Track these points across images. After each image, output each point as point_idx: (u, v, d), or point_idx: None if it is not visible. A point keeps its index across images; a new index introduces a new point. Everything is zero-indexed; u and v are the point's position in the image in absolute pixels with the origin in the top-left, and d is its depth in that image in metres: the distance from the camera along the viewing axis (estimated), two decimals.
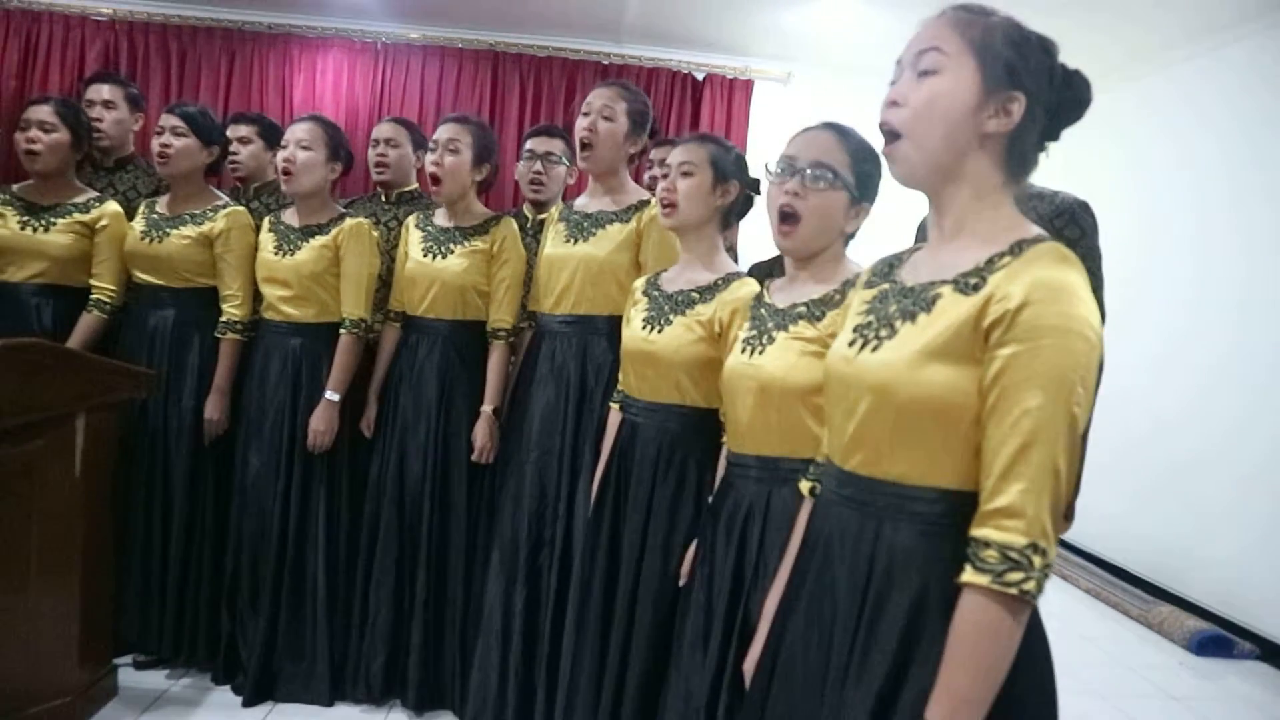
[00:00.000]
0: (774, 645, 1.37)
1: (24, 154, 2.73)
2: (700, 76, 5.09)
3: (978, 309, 1.09)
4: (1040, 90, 1.15)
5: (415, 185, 3.21)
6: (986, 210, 1.18)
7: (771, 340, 1.66)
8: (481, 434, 2.53)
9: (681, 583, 1.96)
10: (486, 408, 2.55)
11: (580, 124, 2.38)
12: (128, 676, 2.66)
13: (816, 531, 1.30)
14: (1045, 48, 1.17)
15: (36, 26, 4.83)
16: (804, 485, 1.50)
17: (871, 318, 1.24)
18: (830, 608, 1.22)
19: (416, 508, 2.55)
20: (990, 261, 1.12)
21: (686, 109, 5.06)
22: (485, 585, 2.47)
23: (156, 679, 2.71)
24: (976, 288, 1.11)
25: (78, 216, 2.76)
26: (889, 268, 1.33)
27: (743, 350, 1.71)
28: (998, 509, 1.04)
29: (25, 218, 2.74)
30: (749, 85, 5.13)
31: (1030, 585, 1.01)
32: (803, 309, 1.66)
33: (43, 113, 2.73)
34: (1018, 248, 1.12)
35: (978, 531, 1.05)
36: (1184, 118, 4.46)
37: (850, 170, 1.63)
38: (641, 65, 5.01)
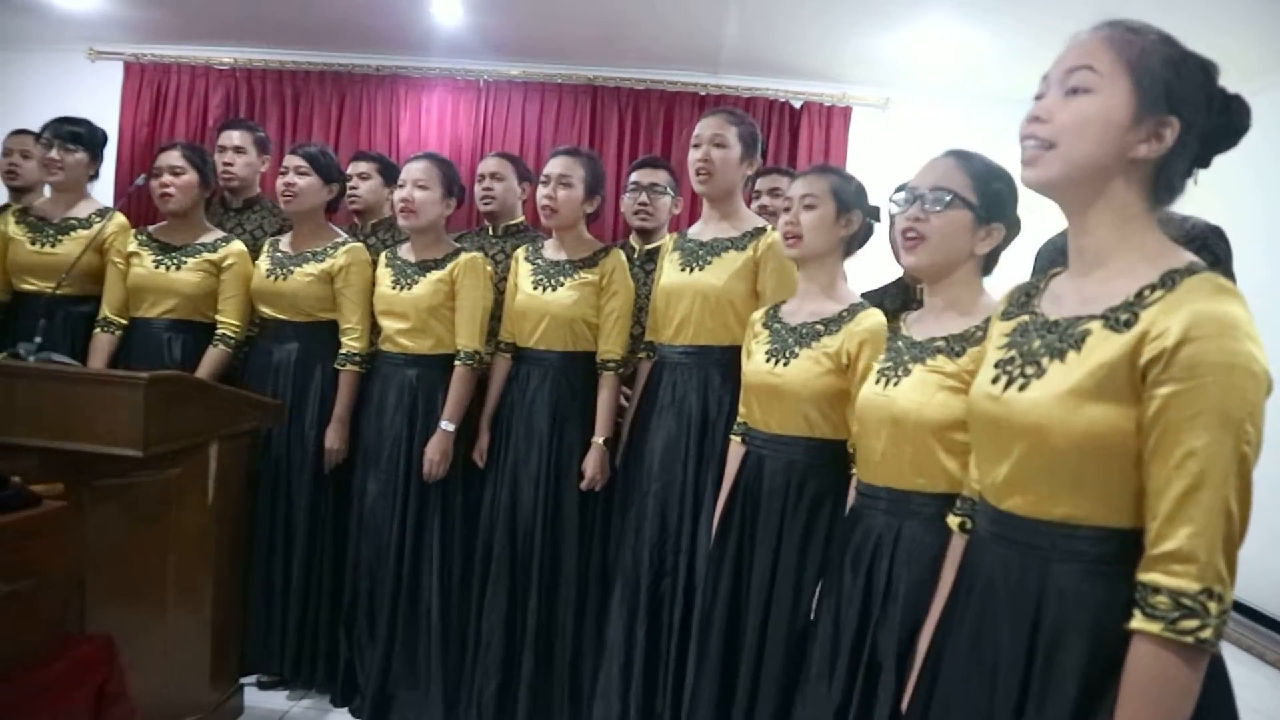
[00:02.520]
0: (928, 684, 1.34)
1: (158, 197, 2.89)
2: (797, 105, 5.08)
3: (1131, 347, 1.05)
4: (1196, 115, 1.10)
5: (521, 218, 3.28)
6: (1132, 237, 1.14)
7: (907, 373, 1.64)
8: (592, 465, 2.55)
9: (812, 618, 1.93)
10: (597, 438, 2.57)
11: (694, 155, 2.41)
12: (252, 696, 2.75)
13: (973, 571, 1.27)
14: (1205, 70, 1.12)
15: (166, 77, 5.13)
16: (953, 521, 1.48)
17: (1014, 353, 1.20)
18: (992, 650, 1.18)
19: (528, 537, 2.58)
20: (1141, 295, 1.08)
21: (784, 138, 5.05)
22: (597, 615, 2.48)
23: (278, 700, 2.80)
24: (1129, 324, 1.07)
25: (206, 256, 2.90)
26: (1026, 297, 1.29)
27: (877, 380, 1.70)
28: (1166, 553, 0.99)
29: (159, 257, 2.90)
30: (847, 112, 5.10)
31: (1207, 633, 0.96)
32: (941, 343, 1.63)
33: (172, 158, 2.89)
34: (1170, 279, 1.07)
35: (1145, 576, 1.01)
36: None
37: (973, 190, 1.61)
38: (738, 95, 5.03)
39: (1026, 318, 1.24)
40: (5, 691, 1.65)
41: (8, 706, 1.64)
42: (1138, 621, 1.00)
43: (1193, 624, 0.96)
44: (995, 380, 1.21)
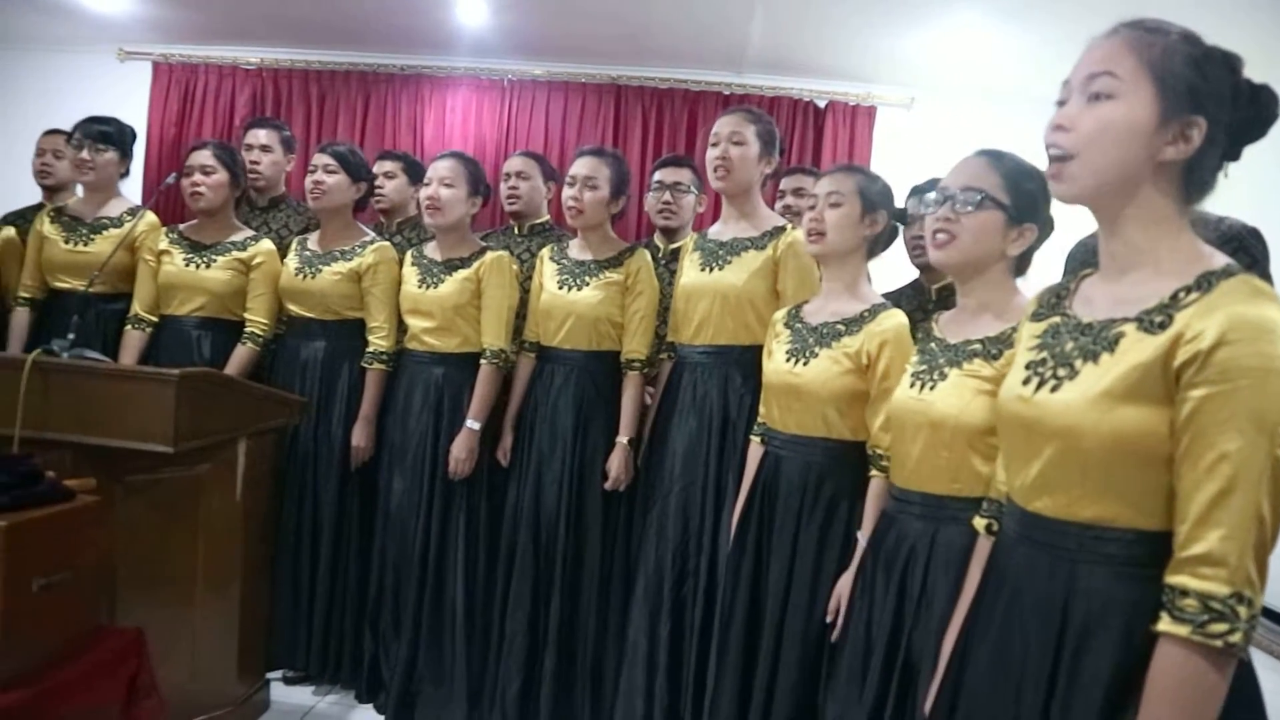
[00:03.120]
0: (953, 685, 1.34)
1: (189, 196, 2.92)
2: (822, 104, 5.05)
3: (1166, 349, 1.05)
4: (1222, 111, 1.09)
5: (546, 217, 3.29)
6: (1165, 239, 1.13)
7: (943, 377, 1.64)
8: (616, 464, 2.56)
9: (829, 619, 1.93)
10: (622, 438, 2.58)
11: (711, 153, 2.41)
12: (277, 691, 2.78)
13: (1000, 572, 1.27)
14: (1229, 64, 1.11)
15: (193, 77, 5.17)
16: (979, 523, 1.48)
17: (1045, 355, 1.20)
18: (1020, 651, 1.18)
19: (552, 536, 2.59)
20: (1175, 297, 1.07)
21: (809, 137, 5.02)
22: (620, 614, 2.49)
23: (304, 695, 2.83)
24: (1163, 325, 1.06)
25: (236, 254, 2.93)
26: (1056, 298, 1.28)
27: (911, 385, 1.69)
28: (1195, 556, 0.99)
29: (189, 255, 2.93)
30: (871, 112, 5.07)
31: (1236, 637, 0.96)
32: (977, 346, 1.63)
33: (203, 157, 2.92)
34: (1205, 281, 1.06)
35: (1174, 579, 1.00)
36: None
37: (1004, 191, 1.60)
38: (762, 94, 5.01)
39: (1058, 319, 1.23)
40: (42, 681, 1.68)
41: (45, 696, 1.67)
42: (1165, 624, 0.99)
43: (1221, 628, 0.96)
44: (1026, 381, 1.20)
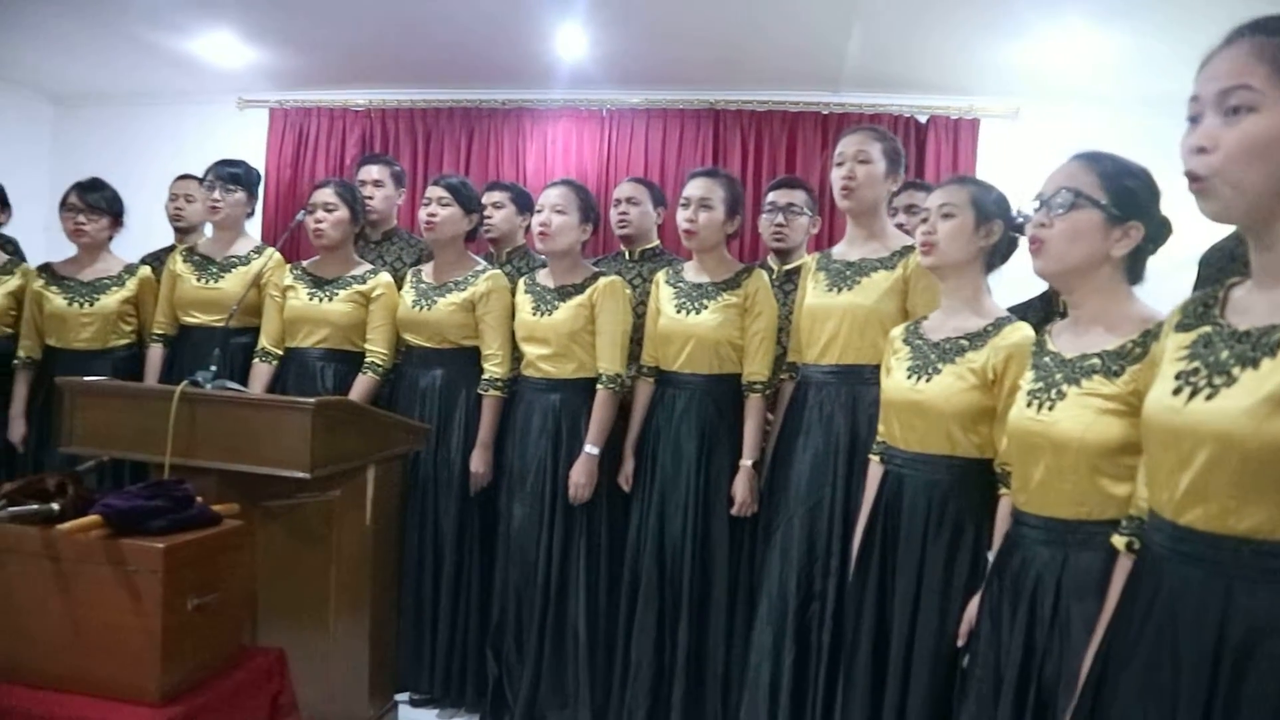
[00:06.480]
0: (1091, 712, 1.28)
1: (312, 233, 3.03)
2: (923, 119, 4.98)
3: None
4: None
5: (657, 242, 3.31)
6: None
7: (1061, 395, 1.57)
8: (741, 488, 2.53)
9: (960, 643, 1.87)
10: (746, 461, 2.55)
11: (837, 173, 2.39)
12: (404, 714, 2.82)
13: (1148, 591, 1.21)
14: None
15: (306, 121, 5.41)
16: (1118, 541, 1.41)
17: (1198, 364, 1.15)
18: (1171, 674, 1.12)
19: (677, 562, 2.57)
20: None
21: (910, 154, 4.91)
22: (748, 639, 2.45)
23: (429, 717, 2.86)
24: None
25: (356, 287, 3.03)
26: (1204, 308, 1.24)
27: (1029, 404, 1.62)
28: None
29: (313, 290, 3.04)
30: (975, 124, 4.97)
31: None
32: (1095, 361, 1.55)
33: (326, 195, 3.03)
34: None
35: None
36: None
37: (1101, 189, 1.54)
38: (862, 112, 4.95)
39: (1209, 329, 1.19)
40: (194, 697, 1.75)
41: (197, 712, 1.73)
42: None
43: None
44: (1177, 391, 1.16)
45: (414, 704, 2.90)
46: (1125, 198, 1.54)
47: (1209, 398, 1.11)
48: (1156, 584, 1.19)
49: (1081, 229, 1.54)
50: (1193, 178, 1.13)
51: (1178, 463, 1.14)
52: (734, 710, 2.49)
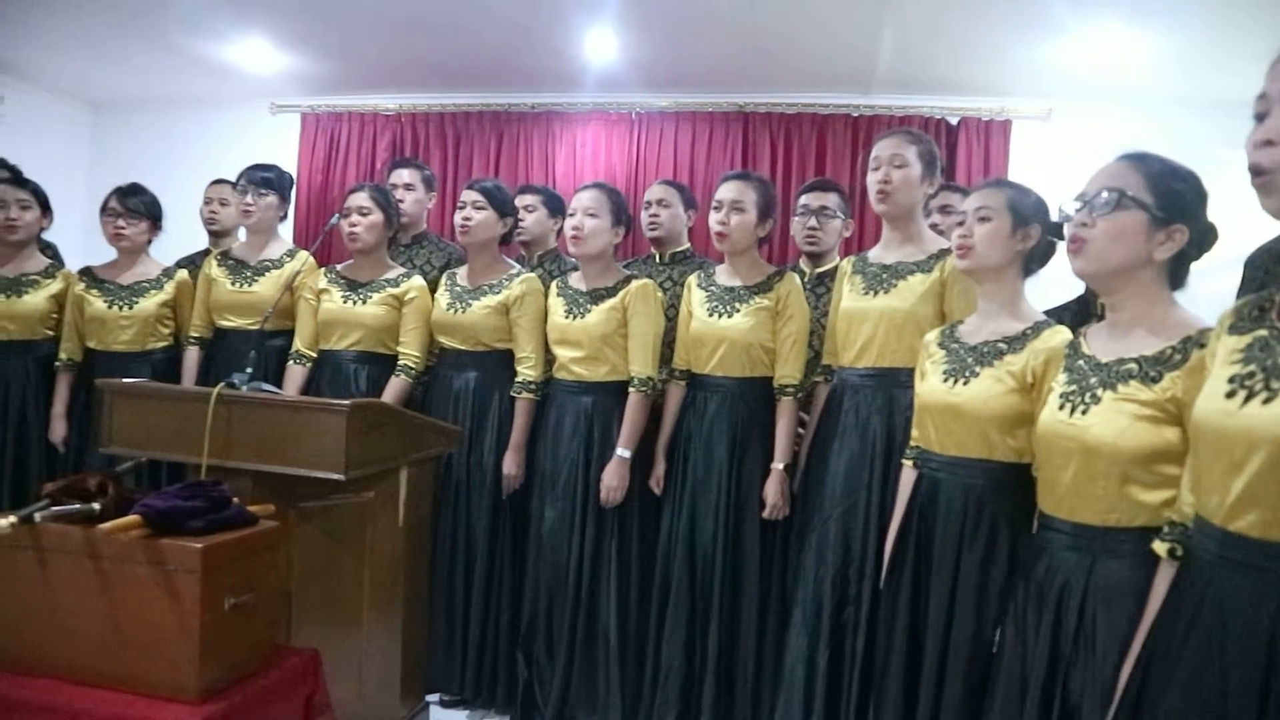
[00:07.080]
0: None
1: (346, 237, 3.06)
2: (954, 121, 4.94)
3: None
4: None
5: (688, 245, 3.31)
6: None
7: (1096, 399, 1.55)
8: (773, 491, 2.53)
9: (995, 650, 1.85)
10: (777, 464, 2.54)
11: (873, 177, 2.37)
12: (435, 715, 2.82)
13: (1195, 598, 1.19)
14: None
15: (337, 126, 5.46)
16: (1160, 547, 1.39)
17: (1254, 368, 1.14)
18: (1218, 685, 1.10)
19: (709, 565, 2.57)
20: None
21: (942, 155, 4.91)
22: (779, 643, 2.44)
23: (460, 718, 2.87)
24: None
25: (390, 290, 3.05)
26: (1259, 311, 1.21)
27: (1060, 406, 1.60)
28: None
29: (347, 293, 3.07)
30: (1006, 126, 4.92)
31: None
32: (1133, 366, 1.53)
33: (360, 199, 3.05)
34: None
35: None
36: None
37: (1146, 190, 1.51)
38: (892, 115, 4.92)
39: (1265, 332, 1.17)
40: (231, 696, 1.76)
41: (234, 710, 1.75)
42: None
43: None
44: (1231, 395, 1.14)
45: (445, 705, 2.91)
46: (1172, 200, 1.52)
47: (1265, 401, 1.09)
48: (1203, 592, 1.17)
49: (1125, 230, 1.52)
50: (1257, 171, 1.11)
51: (1230, 467, 1.12)
52: (764, 713, 2.48)
